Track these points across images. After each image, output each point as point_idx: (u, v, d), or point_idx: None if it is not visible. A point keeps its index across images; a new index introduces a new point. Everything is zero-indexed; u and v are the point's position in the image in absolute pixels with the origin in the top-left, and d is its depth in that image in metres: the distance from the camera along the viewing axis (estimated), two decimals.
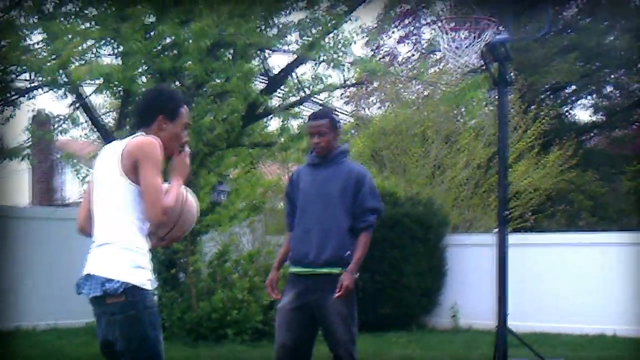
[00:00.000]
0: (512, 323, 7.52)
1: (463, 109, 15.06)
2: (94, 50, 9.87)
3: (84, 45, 9.50)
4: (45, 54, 9.24)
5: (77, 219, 3.92)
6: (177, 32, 9.24)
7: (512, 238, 8.07)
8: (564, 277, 12.01)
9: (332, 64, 10.10)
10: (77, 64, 9.27)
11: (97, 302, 3.60)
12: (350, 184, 5.06)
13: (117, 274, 3.53)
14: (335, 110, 13.37)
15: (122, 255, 3.56)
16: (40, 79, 9.89)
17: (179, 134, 3.79)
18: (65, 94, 10.25)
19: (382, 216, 5.28)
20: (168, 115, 3.76)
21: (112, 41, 9.81)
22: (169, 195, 3.62)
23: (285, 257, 5.30)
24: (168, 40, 9.79)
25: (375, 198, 5.12)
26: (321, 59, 10.22)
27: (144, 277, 3.59)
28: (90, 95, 10.83)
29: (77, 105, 10.42)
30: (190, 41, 9.39)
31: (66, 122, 10.07)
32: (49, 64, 9.03)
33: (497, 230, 7.90)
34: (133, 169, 3.57)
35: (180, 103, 3.82)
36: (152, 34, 9.75)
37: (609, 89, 22.89)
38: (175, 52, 9.84)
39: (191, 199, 3.87)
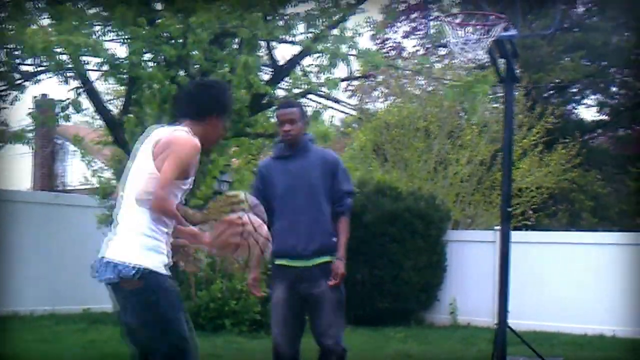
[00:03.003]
0: (511, 321, 7.49)
1: (466, 105, 15.03)
2: (98, 36, 9.86)
3: (88, 30, 9.49)
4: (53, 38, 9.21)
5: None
6: (174, 24, 9.22)
7: (514, 235, 8.04)
8: (565, 276, 11.99)
9: (336, 57, 10.05)
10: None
11: (113, 286, 3.61)
12: (327, 169, 5.10)
13: (130, 258, 3.55)
14: (342, 105, 13.33)
15: (136, 240, 3.58)
16: (44, 63, 9.87)
17: (223, 129, 3.87)
18: (66, 80, 10.23)
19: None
20: (221, 113, 3.81)
21: (110, 23, 9.80)
22: (179, 210, 3.64)
23: None
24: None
25: (348, 181, 5.23)
26: (326, 51, 10.17)
27: (158, 260, 3.62)
28: (95, 80, 10.82)
29: (80, 90, 10.38)
30: (193, 33, 9.38)
31: (69, 107, 10.03)
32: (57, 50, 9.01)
33: (499, 226, 7.87)
34: (163, 159, 3.61)
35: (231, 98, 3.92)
36: (158, 21, 9.73)
37: (613, 88, 22.85)
38: (181, 40, 9.81)
39: (261, 223, 3.81)
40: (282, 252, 5.04)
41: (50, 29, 9.10)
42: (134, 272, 3.52)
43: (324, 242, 5.01)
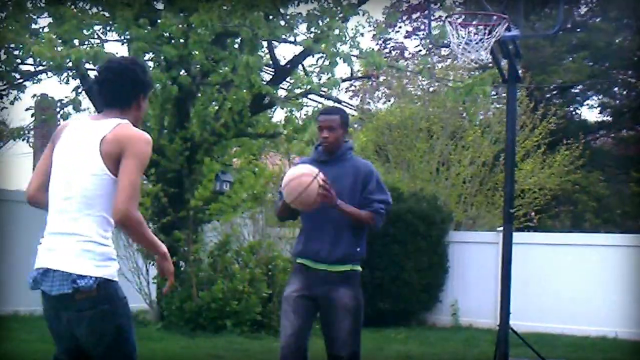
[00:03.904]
0: (513, 322, 7.46)
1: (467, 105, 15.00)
2: (98, 36, 9.86)
3: (89, 30, 9.49)
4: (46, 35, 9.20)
5: (29, 186, 3.58)
6: (175, 24, 9.19)
7: (516, 236, 8.02)
8: (567, 277, 11.95)
9: (338, 57, 10.02)
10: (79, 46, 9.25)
11: (63, 299, 3.33)
12: (359, 180, 5.06)
13: (88, 270, 3.29)
14: (343, 106, 13.31)
15: (91, 249, 3.32)
16: (44, 63, 9.86)
17: (146, 105, 3.62)
18: (67, 79, 10.23)
19: (390, 209, 5.20)
20: (146, 93, 3.56)
21: (112, 25, 9.78)
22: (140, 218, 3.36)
23: None
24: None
25: (382, 191, 5.12)
26: (328, 52, 10.14)
27: (114, 268, 3.38)
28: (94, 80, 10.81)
29: (80, 89, 10.38)
30: (194, 32, 9.37)
31: (68, 105, 10.04)
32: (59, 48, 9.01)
33: (501, 227, 7.83)
34: (116, 160, 3.31)
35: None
36: (159, 21, 9.71)
37: (616, 89, 22.80)
38: (182, 40, 9.80)
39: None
40: (305, 254, 5.06)
41: (53, 35, 9.08)
42: (93, 283, 3.27)
43: (347, 251, 5.02)
